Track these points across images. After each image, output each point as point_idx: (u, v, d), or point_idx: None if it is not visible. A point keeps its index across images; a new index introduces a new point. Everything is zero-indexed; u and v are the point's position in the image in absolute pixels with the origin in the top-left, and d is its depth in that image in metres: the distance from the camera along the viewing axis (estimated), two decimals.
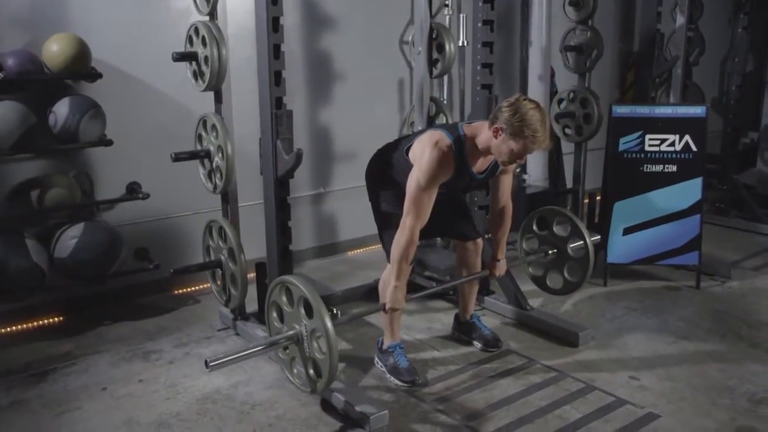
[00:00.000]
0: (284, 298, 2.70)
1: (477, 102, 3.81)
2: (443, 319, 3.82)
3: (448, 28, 4.35)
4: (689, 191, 4.25)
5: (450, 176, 2.86)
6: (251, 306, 3.69)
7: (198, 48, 3.33)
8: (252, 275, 3.58)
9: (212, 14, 3.35)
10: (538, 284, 3.68)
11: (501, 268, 3.38)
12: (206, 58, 3.26)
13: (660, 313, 3.93)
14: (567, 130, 5.10)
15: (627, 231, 4.31)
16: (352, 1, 4.83)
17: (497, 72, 5.43)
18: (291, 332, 2.66)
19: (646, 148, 4.26)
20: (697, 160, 4.24)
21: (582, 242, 3.41)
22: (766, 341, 3.55)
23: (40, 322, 3.83)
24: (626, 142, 4.28)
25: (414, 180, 2.82)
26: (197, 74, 3.40)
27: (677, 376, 3.19)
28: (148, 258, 4.01)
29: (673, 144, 4.24)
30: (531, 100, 2.76)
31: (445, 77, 4.89)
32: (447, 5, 4.69)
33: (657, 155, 4.26)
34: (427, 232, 2.94)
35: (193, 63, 3.40)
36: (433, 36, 4.17)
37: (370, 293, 3.91)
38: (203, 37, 3.26)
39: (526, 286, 3.83)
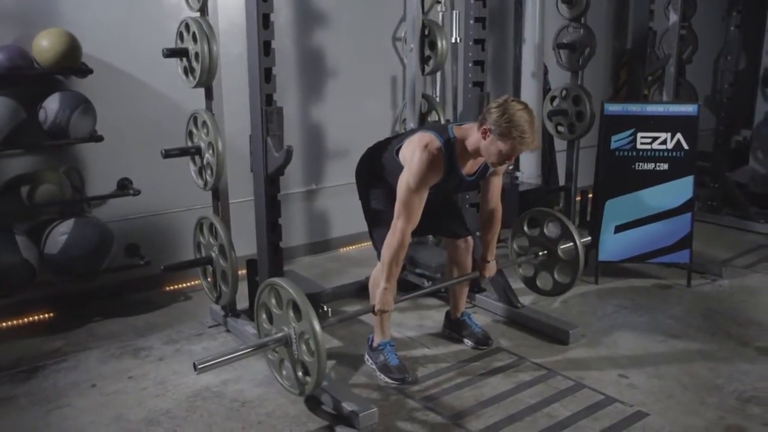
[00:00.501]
0: (273, 300, 2.71)
1: (469, 99, 3.80)
2: (434, 317, 3.82)
3: (440, 25, 4.33)
4: (680, 189, 4.25)
5: (440, 178, 2.86)
6: (242, 303, 3.68)
7: (189, 44, 3.32)
8: (243, 272, 3.58)
9: (203, 10, 3.34)
10: (529, 285, 3.70)
11: (491, 269, 3.39)
12: (197, 55, 3.25)
13: (650, 311, 3.94)
14: (559, 128, 5.10)
15: (618, 229, 4.31)
16: None
17: (490, 69, 5.45)
18: (280, 334, 2.67)
19: (638, 146, 4.27)
20: (688, 159, 4.25)
21: (572, 244, 3.42)
22: (755, 340, 3.56)
23: (30, 318, 3.82)
24: (618, 140, 4.28)
25: (404, 182, 2.82)
26: (188, 70, 3.40)
27: (666, 375, 3.20)
28: (139, 254, 4.00)
29: (664, 142, 4.24)
30: (519, 101, 2.77)
31: (438, 74, 4.89)
32: (439, 2, 4.68)
33: (649, 153, 4.26)
34: (417, 230, 2.94)
35: (184, 59, 3.39)
36: (425, 33, 4.17)
37: (361, 290, 3.90)
38: (194, 33, 3.25)
39: (517, 284, 3.83)
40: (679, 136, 4.23)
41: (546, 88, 5.51)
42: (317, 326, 2.51)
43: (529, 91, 5.38)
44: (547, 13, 5.34)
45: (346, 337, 3.61)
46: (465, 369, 3.27)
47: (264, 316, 2.81)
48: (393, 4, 4.98)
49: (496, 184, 3.21)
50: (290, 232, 4.74)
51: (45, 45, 3.54)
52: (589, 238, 3.68)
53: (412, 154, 2.83)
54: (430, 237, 4.54)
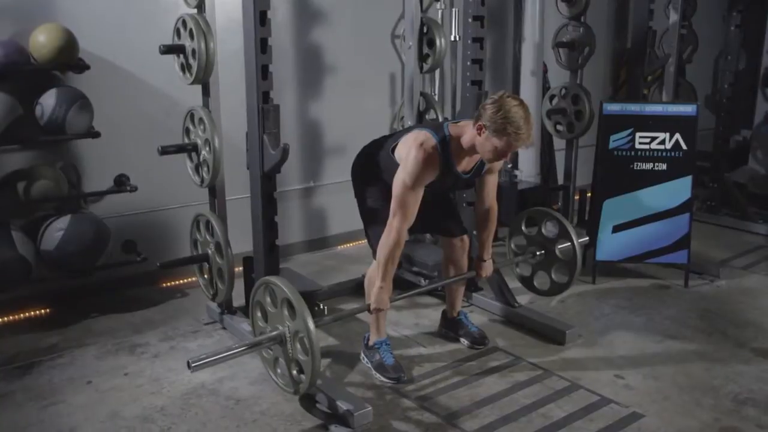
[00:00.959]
0: (268, 299, 2.70)
1: (466, 98, 3.79)
2: (431, 316, 3.81)
3: (438, 23, 4.32)
4: (679, 190, 4.25)
5: (436, 176, 2.86)
6: (239, 300, 3.68)
7: (186, 41, 3.31)
8: (240, 269, 3.57)
9: (200, 7, 3.32)
10: (526, 285, 3.69)
11: (487, 268, 3.38)
12: (193, 51, 3.24)
13: (648, 311, 3.94)
14: (558, 127, 5.09)
15: (616, 229, 4.30)
16: None
17: (489, 67, 5.43)
18: (274, 333, 2.66)
19: (637, 146, 4.26)
20: (687, 159, 4.24)
21: (570, 243, 3.41)
22: (751, 341, 3.56)
23: (26, 314, 3.81)
24: (616, 140, 4.27)
25: (400, 181, 2.81)
26: (185, 67, 3.39)
27: (662, 376, 3.19)
28: (136, 251, 3.99)
29: (663, 142, 4.24)
30: (515, 97, 2.75)
31: (437, 72, 4.88)
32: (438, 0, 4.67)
33: (647, 153, 4.25)
34: (414, 228, 2.94)
35: (181, 56, 3.38)
36: (424, 31, 4.15)
37: (357, 288, 3.90)
38: (191, 29, 3.24)
39: (515, 283, 3.82)
40: (677, 136, 4.22)
41: (545, 87, 5.50)
42: (311, 325, 2.50)
43: (529, 89, 5.37)
44: (546, 12, 5.34)
45: (341, 335, 3.60)
46: (461, 368, 3.26)
47: (259, 314, 2.81)
48: (392, 1, 4.96)
49: (492, 182, 3.20)
50: (288, 230, 4.74)
51: (42, 40, 3.53)
52: (587, 238, 3.68)
53: (408, 152, 2.82)
54: (428, 235, 4.53)
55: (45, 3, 3.70)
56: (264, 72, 3.08)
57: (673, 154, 4.23)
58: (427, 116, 4.24)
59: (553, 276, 3.53)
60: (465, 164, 2.96)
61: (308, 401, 2.93)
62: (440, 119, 4.24)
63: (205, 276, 3.68)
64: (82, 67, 3.67)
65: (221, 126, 3.41)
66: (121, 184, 3.94)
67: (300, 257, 4.92)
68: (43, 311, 3.86)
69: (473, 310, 3.89)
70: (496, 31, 5.63)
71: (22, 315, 3.80)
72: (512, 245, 3.68)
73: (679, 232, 4.27)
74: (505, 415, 2.86)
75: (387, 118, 5.13)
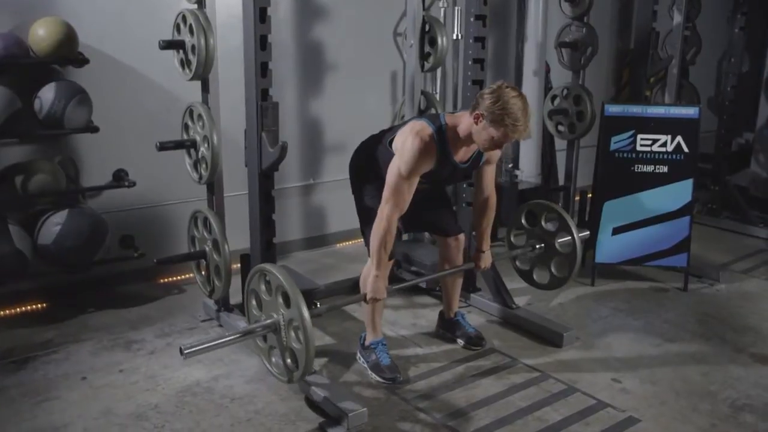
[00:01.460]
0: (263, 287, 2.68)
1: (467, 98, 3.76)
2: (428, 316, 3.80)
3: (441, 22, 4.30)
4: (680, 193, 4.23)
5: (433, 166, 2.83)
6: (236, 298, 3.65)
7: (185, 36, 3.29)
8: (237, 266, 3.56)
9: (200, 2, 3.30)
10: (525, 278, 3.63)
11: (486, 259, 3.34)
12: (193, 47, 3.22)
13: (646, 314, 3.92)
14: (560, 127, 5.07)
15: (616, 231, 4.29)
16: None
17: (492, 67, 5.41)
18: (269, 321, 2.63)
19: (638, 147, 4.24)
20: (688, 162, 4.22)
21: (570, 237, 3.38)
22: (750, 346, 3.54)
23: (23, 308, 3.80)
24: (618, 142, 4.26)
25: (395, 168, 2.78)
26: (184, 63, 3.37)
27: (659, 380, 3.18)
28: (134, 246, 3.97)
29: (664, 144, 4.22)
30: (513, 88, 2.73)
31: (439, 71, 4.86)
32: None
33: (648, 155, 4.24)
34: (410, 225, 2.92)
35: (180, 51, 3.36)
36: (426, 29, 4.13)
37: (355, 287, 3.86)
38: (191, 25, 3.22)
39: (513, 284, 3.81)
40: (679, 138, 4.20)
41: (547, 87, 5.48)
42: (306, 313, 2.47)
43: (531, 89, 5.34)
44: (549, 12, 5.31)
45: (338, 334, 3.59)
46: (457, 369, 3.25)
47: (254, 302, 2.78)
48: None
49: (490, 172, 3.18)
50: (286, 227, 4.72)
51: (41, 34, 3.51)
52: (587, 231, 3.62)
53: (404, 141, 2.79)
54: (426, 235, 4.52)
55: None
56: (263, 69, 3.07)
57: (674, 156, 4.21)
58: None
59: (552, 269, 3.47)
60: (462, 154, 2.94)
61: (303, 401, 2.91)
62: None
63: (203, 273, 3.67)
64: (81, 61, 3.65)
65: (220, 122, 3.39)
66: (119, 179, 3.92)
67: (298, 255, 4.90)
68: (39, 306, 3.84)
69: (471, 310, 3.88)
70: (499, 30, 5.60)
71: (18, 309, 3.79)
72: (512, 240, 3.64)
73: (680, 235, 4.25)
74: (500, 418, 2.84)
75: (388, 117, 5.12)
